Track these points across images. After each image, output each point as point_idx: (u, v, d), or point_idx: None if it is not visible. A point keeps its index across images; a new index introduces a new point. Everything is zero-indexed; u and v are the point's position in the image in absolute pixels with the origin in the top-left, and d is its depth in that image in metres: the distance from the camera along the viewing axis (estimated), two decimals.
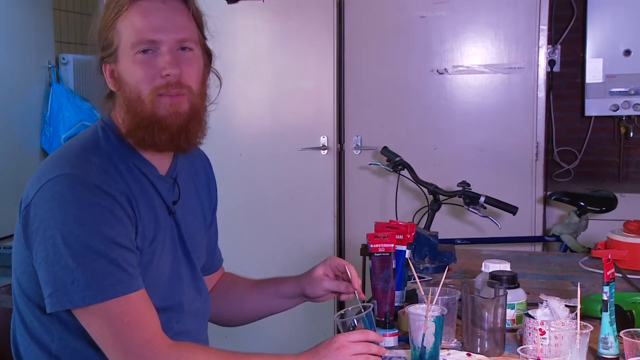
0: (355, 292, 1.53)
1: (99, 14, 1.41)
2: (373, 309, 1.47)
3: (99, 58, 1.41)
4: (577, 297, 1.39)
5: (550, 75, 3.88)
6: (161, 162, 1.47)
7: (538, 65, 3.43)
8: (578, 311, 1.36)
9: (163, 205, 1.46)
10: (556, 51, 4.00)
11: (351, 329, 1.41)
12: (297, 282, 1.64)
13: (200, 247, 1.59)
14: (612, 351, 1.42)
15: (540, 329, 1.41)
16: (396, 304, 1.67)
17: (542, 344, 1.36)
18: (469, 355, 1.47)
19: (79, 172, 1.31)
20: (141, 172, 1.42)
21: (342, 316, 1.44)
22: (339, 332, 1.43)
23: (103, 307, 1.27)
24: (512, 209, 2.91)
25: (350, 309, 1.46)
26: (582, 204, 3.19)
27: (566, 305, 1.47)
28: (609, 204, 3.20)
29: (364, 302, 1.50)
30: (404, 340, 1.54)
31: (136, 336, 1.29)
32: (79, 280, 1.26)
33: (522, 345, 1.46)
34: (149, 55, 1.37)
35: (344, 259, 3.76)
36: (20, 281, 1.40)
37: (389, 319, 1.55)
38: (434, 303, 1.44)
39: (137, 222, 1.37)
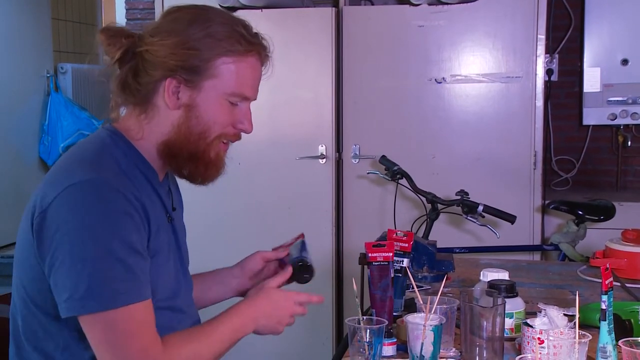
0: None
1: (192, 31, 1.38)
2: (371, 318, 1.49)
3: (166, 66, 1.38)
4: (575, 306, 1.39)
5: (548, 85, 3.89)
6: (161, 169, 1.49)
7: (536, 74, 3.44)
8: (576, 320, 1.36)
9: (163, 211, 1.48)
10: (554, 60, 4.01)
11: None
12: (230, 268, 1.78)
13: (187, 253, 1.63)
14: None
15: (538, 338, 1.41)
16: (395, 313, 1.67)
17: (540, 353, 1.36)
18: None
19: (98, 177, 1.31)
20: (146, 178, 1.44)
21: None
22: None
23: (111, 315, 1.28)
24: (511, 218, 2.91)
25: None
26: (580, 212, 3.20)
27: (565, 314, 1.47)
28: (607, 213, 3.20)
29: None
30: (403, 349, 1.54)
31: (134, 344, 1.30)
32: (93, 287, 1.26)
33: (520, 354, 1.46)
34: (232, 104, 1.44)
35: (342, 268, 3.74)
36: (27, 289, 1.39)
37: (387, 328, 1.55)
38: (432, 312, 1.44)
39: (150, 228, 1.38)
